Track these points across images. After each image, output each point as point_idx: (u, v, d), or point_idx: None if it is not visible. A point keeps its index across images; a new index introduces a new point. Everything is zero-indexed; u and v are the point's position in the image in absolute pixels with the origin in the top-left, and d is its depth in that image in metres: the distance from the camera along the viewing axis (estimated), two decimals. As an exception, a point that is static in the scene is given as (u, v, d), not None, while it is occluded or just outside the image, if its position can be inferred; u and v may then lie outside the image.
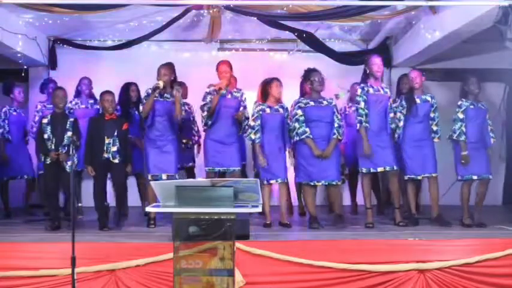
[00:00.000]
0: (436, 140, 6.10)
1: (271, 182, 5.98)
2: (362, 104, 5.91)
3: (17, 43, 6.82)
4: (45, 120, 5.95)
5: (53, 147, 5.84)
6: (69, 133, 5.88)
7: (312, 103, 5.94)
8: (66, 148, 5.83)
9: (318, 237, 5.34)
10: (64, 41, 8.01)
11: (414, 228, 5.83)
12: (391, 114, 5.99)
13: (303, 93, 6.78)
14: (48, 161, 5.85)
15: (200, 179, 4.15)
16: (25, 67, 7.77)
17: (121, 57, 7.94)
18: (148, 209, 4.15)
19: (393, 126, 5.99)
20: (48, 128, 5.89)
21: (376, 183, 6.66)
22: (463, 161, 5.92)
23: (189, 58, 7.89)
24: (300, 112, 5.92)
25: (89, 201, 6.07)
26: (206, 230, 3.69)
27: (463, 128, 5.97)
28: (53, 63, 8.05)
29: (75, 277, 3.99)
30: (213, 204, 3.65)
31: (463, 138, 5.94)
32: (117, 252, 4.76)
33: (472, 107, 6.04)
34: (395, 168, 5.92)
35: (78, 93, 6.93)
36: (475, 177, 5.98)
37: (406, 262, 4.79)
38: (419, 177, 6.08)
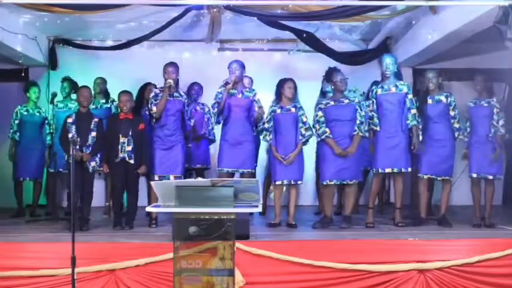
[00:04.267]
0: (459, 137, 6.05)
1: (278, 182, 5.95)
2: (370, 106, 5.99)
3: (17, 43, 6.82)
4: (70, 120, 5.91)
5: (77, 147, 5.80)
6: (94, 133, 5.86)
7: (332, 103, 5.96)
8: (90, 148, 5.83)
9: (318, 237, 5.34)
10: (64, 41, 8.01)
11: (414, 228, 5.83)
12: (413, 111, 5.89)
13: (323, 93, 6.78)
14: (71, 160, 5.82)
15: (200, 179, 4.13)
16: (25, 67, 7.78)
17: (121, 57, 7.94)
18: (148, 209, 4.15)
19: (414, 122, 5.87)
20: (73, 128, 5.86)
21: (383, 183, 6.68)
22: (464, 159, 6.11)
23: (189, 58, 7.89)
24: (320, 113, 5.95)
25: (93, 201, 6.07)
26: (206, 230, 3.69)
27: (467, 128, 6.10)
28: (53, 63, 8.05)
29: (75, 277, 3.99)
30: (213, 204, 3.65)
31: (461, 137, 6.05)
32: (117, 252, 4.77)
33: (472, 105, 6.11)
34: (403, 170, 5.91)
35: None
36: (474, 175, 6.04)
37: (406, 262, 4.80)
38: (430, 177, 6.06)
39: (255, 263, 4.72)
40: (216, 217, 3.69)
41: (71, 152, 4.48)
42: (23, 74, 7.73)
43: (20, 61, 7.40)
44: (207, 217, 3.69)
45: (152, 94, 6.04)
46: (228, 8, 6.38)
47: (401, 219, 5.98)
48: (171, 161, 5.96)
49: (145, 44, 7.80)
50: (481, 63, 7.62)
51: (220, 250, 3.72)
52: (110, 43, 8.04)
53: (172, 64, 6.00)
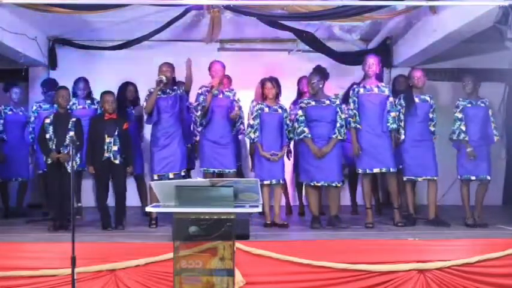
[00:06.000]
0: (433, 140, 6.08)
1: (266, 182, 5.94)
2: (351, 105, 5.96)
3: (17, 43, 6.81)
4: (47, 120, 5.91)
5: (54, 147, 5.81)
6: (71, 133, 5.82)
7: (313, 103, 5.94)
8: (68, 148, 5.79)
9: (318, 237, 5.34)
10: (64, 41, 8.01)
11: (414, 228, 5.84)
12: (392, 114, 5.95)
13: (300, 93, 6.82)
14: (49, 161, 5.83)
15: (200, 179, 4.14)
16: (25, 67, 7.78)
17: (121, 57, 7.94)
18: (148, 209, 4.16)
19: (394, 126, 5.95)
20: (51, 128, 5.85)
21: (375, 183, 6.67)
22: (471, 158, 5.92)
23: (189, 58, 7.87)
24: (300, 112, 5.94)
25: (88, 201, 6.06)
26: (206, 230, 3.70)
27: (462, 127, 6.01)
28: (53, 63, 8.05)
29: (75, 277, 3.99)
30: (213, 204, 3.66)
31: (462, 136, 5.99)
32: (117, 252, 4.76)
33: (469, 105, 6.07)
34: (391, 169, 5.90)
35: (74, 94, 6.88)
36: (473, 178, 6.00)
37: (406, 262, 4.80)
38: (419, 179, 6.09)
39: (255, 263, 4.72)
40: (216, 217, 3.70)
41: (67, 152, 4.48)
42: (23, 74, 7.73)
43: (20, 61, 7.40)
44: (207, 217, 3.69)
45: (147, 92, 6.08)
46: (228, 8, 6.38)
47: (400, 219, 5.98)
48: (169, 159, 5.96)
49: (145, 44, 7.79)
50: (481, 63, 7.63)
51: (220, 250, 3.72)
52: (109, 43, 8.03)
53: (167, 63, 6.04)
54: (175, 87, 6.10)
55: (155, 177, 5.90)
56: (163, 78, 5.86)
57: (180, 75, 6.26)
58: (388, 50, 7.93)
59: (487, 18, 5.46)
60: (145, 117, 6.21)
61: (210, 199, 3.66)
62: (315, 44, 7.66)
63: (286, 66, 7.94)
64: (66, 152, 5.78)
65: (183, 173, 6.07)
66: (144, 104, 6.00)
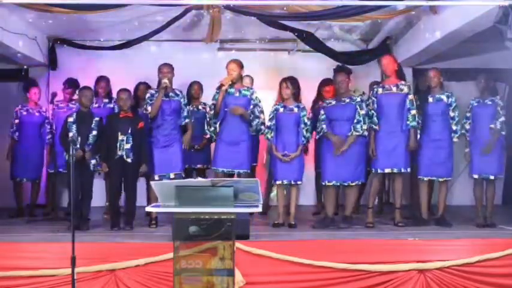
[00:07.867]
0: (455, 139, 6.03)
1: (278, 182, 5.98)
2: (371, 105, 5.98)
3: (17, 43, 6.81)
4: (70, 119, 5.95)
5: (78, 145, 5.82)
6: (94, 132, 5.90)
7: (333, 102, 5.99)
8: (91, 147, 5.87)
9: (318, 237, 5.34)
10: (64, 41, 8.00)
11: (414, 228, 5.83)
12: (413, 112, 5.89)
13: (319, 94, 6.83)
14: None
15: (200, 179, 4.13)
16: (25, 67, 7.78)
17: (121, 57, 7.94)
18: (148, 209, 4.16)
19: (414, 123, 5.89)
20: (74, 127, 5.89)
21: (384, 183, 6.68)
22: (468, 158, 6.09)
23: (189, 58, 7.88)
24: (322, 112, 6.00)
25: (93, 201, 6.07)
26: (206, 230, 3.69)
27: (466, 126, 6.08)
28: (53, 63, 8.04)
29: (75, 277, 3.99)
30: (213, 204, 3.65)
31: (455, 139, 6.03)
32: (117, 252, 4.77)
33: (476, 104, 6.11)
34: (403, 170, 5.91)
35: (95, 93, 6.82)
36: (475, 176, 6.04)
37: (406, 262, 4.81)
38: (427, 179, 6.06)
39: (255, 263, 4.73)
40: (216, 217, 3.69)
41: (71, 151, 4.50)
42: (23, 74, 7.73)
43: (20, 61, 7.40)
44: (207, 217, 3.69)
45: (148, 95, 6.08)
46: (228, 8, 6.38)
47: (401, 219, 5.99)
48: (170, 159, 5.96)
49: (145, 44, 7.80)
50: (481, 63, 7.62)
51: (220, 250, 3.72)
52: (109, 43, 8.03)
53: (167, 64, 6.03)
54: (178, 92, 6.11)
55: (156, 177, 5.90)
56: (167, 82, 5.87)
57: (179, 76, 6.26)
58: (388, 50, 7.92)
59: (487, 18, 5.46)
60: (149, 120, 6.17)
61: (210, 199, 3.66)
62: (315, 44, 7.66)
63: (286, 66, 7.93)
64: (89, 150, 5.84)
65: (183, 174, 6.06)
66: (149, 108, 5.98)
